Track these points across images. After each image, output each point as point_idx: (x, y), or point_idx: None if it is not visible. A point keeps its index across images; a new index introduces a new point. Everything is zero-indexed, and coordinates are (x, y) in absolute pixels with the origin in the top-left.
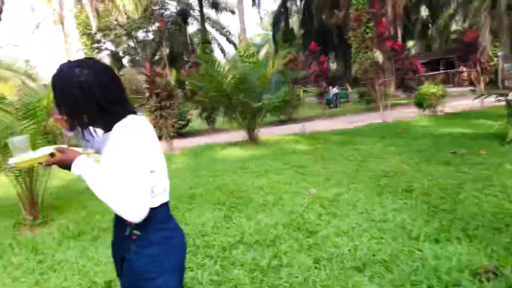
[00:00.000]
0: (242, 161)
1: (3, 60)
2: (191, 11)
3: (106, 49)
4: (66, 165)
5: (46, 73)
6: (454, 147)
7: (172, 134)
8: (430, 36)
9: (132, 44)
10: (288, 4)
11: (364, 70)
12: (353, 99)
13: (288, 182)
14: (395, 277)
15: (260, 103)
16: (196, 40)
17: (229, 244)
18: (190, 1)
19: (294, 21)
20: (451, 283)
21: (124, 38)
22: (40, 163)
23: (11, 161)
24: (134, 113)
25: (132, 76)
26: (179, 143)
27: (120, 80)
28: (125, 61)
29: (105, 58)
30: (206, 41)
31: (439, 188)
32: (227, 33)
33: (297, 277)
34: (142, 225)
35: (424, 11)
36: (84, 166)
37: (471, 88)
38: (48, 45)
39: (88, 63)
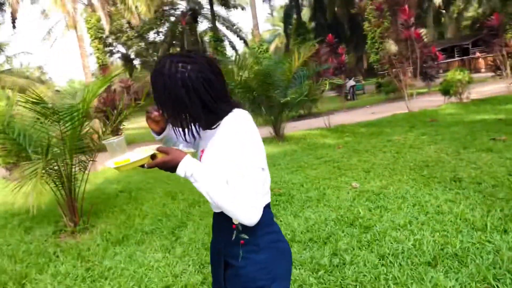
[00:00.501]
0: (272, 158)
1: (17, 67)
2: (201, 10)
3: (118, 51)
4: (170, 167)
5: (58, 79)
6: (492, 133)
7: None
8: (442, 23)
9: (143, 45)
10: None
11: (388, 61)
12: (369, 90)
13: (326, 177)
14: (472, 271)
15: (287, 98)
16: (206, 38)
17: None
18: (199, 0)
19: (303, 15)
20: None
21: (136, 40)
22: (142, 166)
23: (108, 163)
24: (238, 107)
25: (145, 77)
26: None
27: (223, 74)
28: (136, 62)
29: (116, 61)
30: (218, 39)
31: (489, 176)
32: (238, 30)
33: (365, 275)
34: (250, 229)
35: None
36: (194, 167)
37: (497, 73)
38: (61, 51)
39: (191, 57)
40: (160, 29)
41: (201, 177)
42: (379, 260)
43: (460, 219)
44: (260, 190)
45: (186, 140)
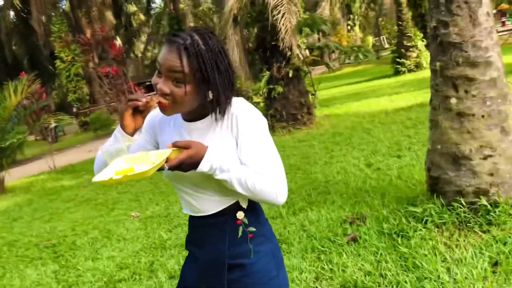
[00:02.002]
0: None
1: None
2: None
3: None
4: (194, 162)
5: None
6: None
7: None
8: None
9: None
10: None
11: (103, 95)
12: (70, 130)
13: (97, 214)
14: None
15: (9, 142)
16: None
17: None
18: None
19: None
20: None
21: None
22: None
23: (104, 175)
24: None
25: None
26: None
27: None
28: None
29: None
30: None
31: None
32: None
33: None
34: (256, 220)
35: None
36: (219, 157)
37: None
38: None
39: (211, 32)
40: None
41: (231, 165)
42: None
43: None
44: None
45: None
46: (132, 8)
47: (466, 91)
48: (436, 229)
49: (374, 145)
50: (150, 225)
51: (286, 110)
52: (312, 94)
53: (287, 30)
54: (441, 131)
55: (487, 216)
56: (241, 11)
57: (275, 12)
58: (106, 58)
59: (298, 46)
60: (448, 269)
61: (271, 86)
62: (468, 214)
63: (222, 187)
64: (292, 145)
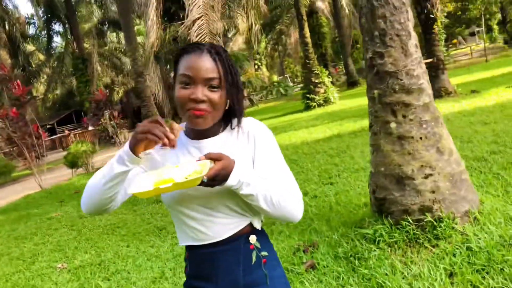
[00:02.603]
0: None
1: None
2: None
3: None
4: (225, 175)
5: None
6: None
7: None
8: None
9: None
10: None
11: (7, 139)
12: None
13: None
14: None
15: None
16: None
17: None
18: None
19: None
20: None
21: None
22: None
23: (142, 186)
24: None
25: None
26: None
27: None
28: None
29: None
30: None
31: None
32: None
33: None
34: (266, 244)
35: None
36: (246, 170)
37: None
38: None
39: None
40: None
41: (257, 180)
42: None
43: None
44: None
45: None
46: (30, 47)
47: (404, 116)
48: (389, 248)
49: (305, 174)
50: (83, 275)
51: None
52: None
53: None
54: (383, 154)
55: (434, 231)
56: (162, 48)
57: None
58: (11, 99)
59: None
60: (410, 285)
61: None
62: (416, 231)
63: (237, 207)
64: None
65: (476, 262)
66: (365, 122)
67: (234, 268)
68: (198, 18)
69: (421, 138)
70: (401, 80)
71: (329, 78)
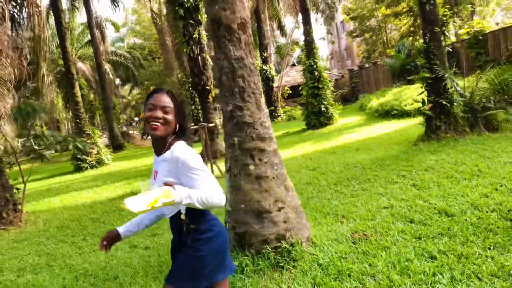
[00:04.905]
0: None
1: None
2: None
3: None
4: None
5: None
6: None
7: None
8: None
9: None
10: None
11: None
12: None
13: None
14: None
15: None
16: None
17: None
18: None
19: None
20: None
21: None
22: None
23: (138, 206)
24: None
25: None
26: None
27: None
28: None
29: None
30: None
31: None
32: None
33: None
34: (196, 219)
35: None
36: (186, 189)
37: None
38: None
39: None
40: None
41: (192, 192)
42: None
43: None
44: None
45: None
46: None
47: (260, 159)
48: (256, 275)
49: None
50: None
51: None
52: (18, 189)
53: (2, 115)
54: (243, 192)
55: (290, 255)
56: None
57: None
58: None
59: None
60: None
61: None
62: (276, 256)
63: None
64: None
65: (330, 272)
66: None
67: (175, 232)
68: None
69: (273, 177)
70: (257, 129)
71: (101, 139)
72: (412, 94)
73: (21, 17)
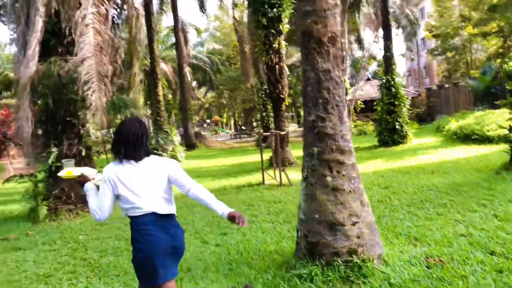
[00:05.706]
0: None
1: None
2: None
3: None
4: (82, 184)
5: None
6: None
7: None
8: None
9: None
10: None
11: None
12: None
13: None
14: None
15: None
16: None
17: None
18: None
19: None
20: None
21: None
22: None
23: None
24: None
25: None
26: None
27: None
28: None
29: None
30: None
31: None
32: None
33: None
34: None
35: None
36: (90, 186)
37: None
38: None
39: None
40: None
41: (89, 191)
42: None
43: None
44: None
45: None
46: None
47: (338, 172)
48: (325, 285)
49: (192, 226)
50: None
51: (75, 191)
52: None
53: (97, 108)
54: (319, 202)
55: (361, 270)
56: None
57: (85, 88)
58: None
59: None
60: None
61: (58, 164)
62: (346, 270)
63: None
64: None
65: None
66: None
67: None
68: (89, 57)
69: (350, 191)
70: (337, 141)
71: (177, 137)
72: (496, 119)
73: (120, 18)
